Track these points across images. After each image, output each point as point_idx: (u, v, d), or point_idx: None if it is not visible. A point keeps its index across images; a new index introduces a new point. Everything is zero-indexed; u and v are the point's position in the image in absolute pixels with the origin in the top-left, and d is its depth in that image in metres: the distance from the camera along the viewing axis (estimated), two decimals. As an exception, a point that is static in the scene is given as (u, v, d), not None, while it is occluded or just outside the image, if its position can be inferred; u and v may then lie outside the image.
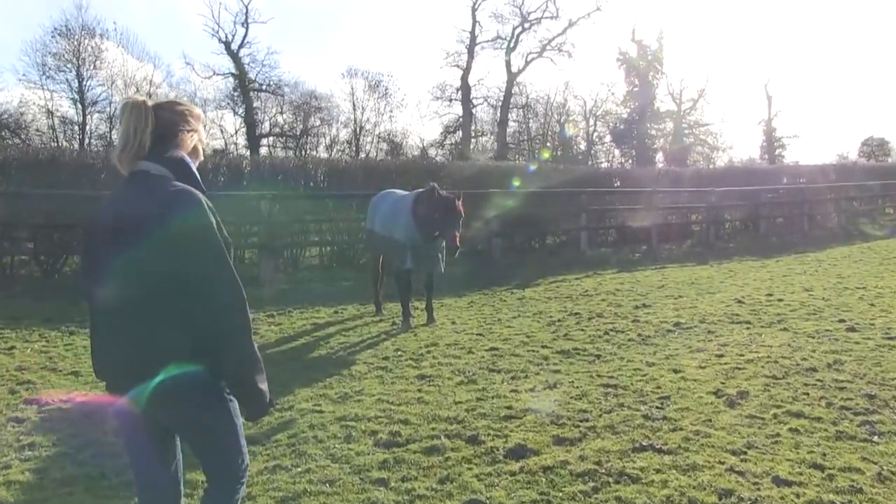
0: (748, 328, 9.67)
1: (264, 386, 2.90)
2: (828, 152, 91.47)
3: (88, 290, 2.98)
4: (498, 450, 5.25)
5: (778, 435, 5.40)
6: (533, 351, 8.52)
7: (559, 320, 10.50)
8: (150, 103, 2.93)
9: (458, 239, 9.53)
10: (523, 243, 21.00)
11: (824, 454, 5.07)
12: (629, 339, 9.15)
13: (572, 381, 7.10)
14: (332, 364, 7.90)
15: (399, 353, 8.42)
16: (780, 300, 11.71)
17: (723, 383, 6.91)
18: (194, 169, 2.97)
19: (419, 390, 6.84)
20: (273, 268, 14.59)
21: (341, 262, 17.28)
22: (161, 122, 2.92)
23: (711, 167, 38.74)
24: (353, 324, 10.40)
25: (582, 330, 9.79)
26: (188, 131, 3.01)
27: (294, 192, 16.26)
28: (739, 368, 7.47)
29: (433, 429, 5.71)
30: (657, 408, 6.18)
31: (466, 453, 5.21)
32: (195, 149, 3.08)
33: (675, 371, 7.43)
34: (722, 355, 8.12)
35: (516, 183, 19.14)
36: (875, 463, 4.92)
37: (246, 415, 2.99)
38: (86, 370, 7.51)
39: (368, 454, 5.21)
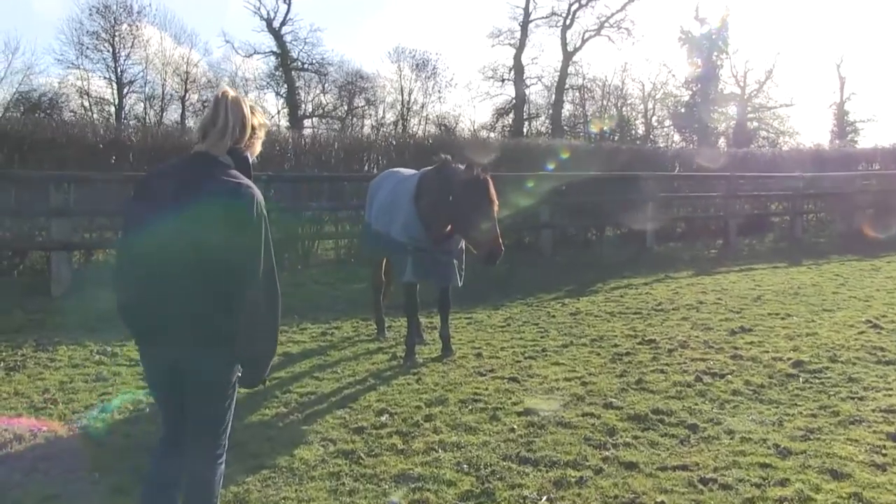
0: (908, 374, 6.60)
1: (268, 365, 3.29)
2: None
3: (128, 249, 3.22)
4: None
5: None
6: (591, 415, 5.57)
7: (627, 353, 7.52)
8: (246, 103, 3.29)
9: (500, 241, 6.65)
10: (578, 235, 17.99)
11: None
12: (734, 392, 6.16)
13: (662, 501, 4.14)
14: (271, 443, 5.02)
15: (384, 418, 5.53)
16: (931, 324, 8.54)
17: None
18: (251, 169, 3.32)
19: (391, 518, 3.98)
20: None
21: (361, 257, 14.50)
22: (245, 123, 3.28)
23: (792, 149, 34.80)
24: (338, 355, 7.55)
25: (662, 371, 6.81)
26: (259, 138, 3.40)
27: (296, 174, 13.42)
28: (946, 472, 4.43)
29: None
30: None
31: None
32: (257, 152, 3.45)
33: (836, 476, 4.39)
34: (897, 434, 5.08)
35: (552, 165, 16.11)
36: None
37: (240, 380, 3.26)
38: None
39: None
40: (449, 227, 7.05)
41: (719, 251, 17.31)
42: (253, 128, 3.31)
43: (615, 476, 4.44)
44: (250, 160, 3.33)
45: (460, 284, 7.47)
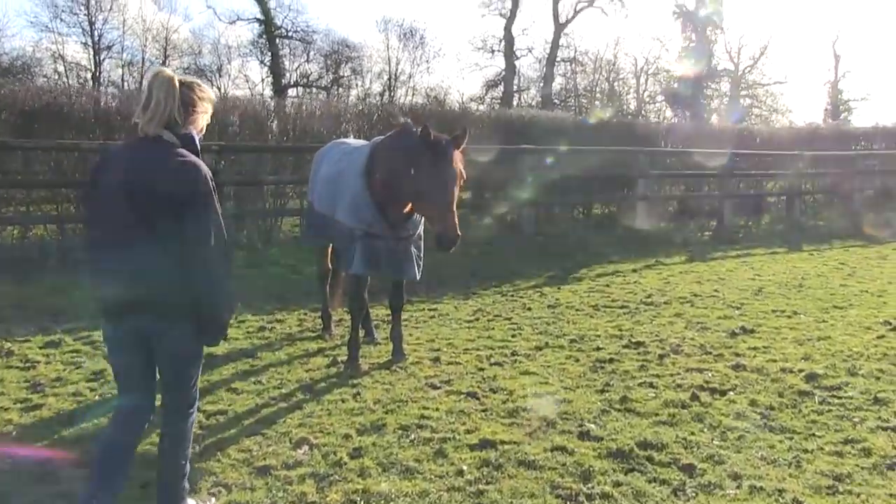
0: (943, 393, 5.51)
1: (226, 324, 3.47)
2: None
3: (93, 236, 3.48)
4: None
5: None
6: (563, 450, 4.44)
7: (611, 359, 6.40)
8: (177, 80, 3.35)
9: (455, 222, 5.37)
10: (563, 214, 16.84)
11: None
12: (738, 416, 5.05)
13: None
14: (146, 490, 3.83)
15: (301, 452, 4.36)
16: (958, 326, 7.46)
17: None
18: (198, 144, 3.41)
19: None
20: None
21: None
22: (182, 100, 3.36)
23: (788, 126, 33.46)
24: (270, 357, 6.38)
25: (651, 385, 5.70)
26: (201, 113, 3.49)
27: (252, 144, 12.19)
28: None
29: None
30: None
31: None
32: (201, 126, 3.52)
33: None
34: (948, 486, 3.99)
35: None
36: None
37: (204, 340, 3.49)
38: None
39: None
40: (407, 208, 5.89)
41: (713, 233, 16.23)
42: (190, 104, 3.40)
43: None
44: (195, 137, 3.42)
45: (418, 277, 6.29)
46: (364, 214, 5.85)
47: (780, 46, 77.33)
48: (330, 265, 7.18)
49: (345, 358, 6.18)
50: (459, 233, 5.33)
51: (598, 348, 6.79)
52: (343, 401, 5.26)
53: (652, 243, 13.99)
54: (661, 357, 6.47)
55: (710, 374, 5.96)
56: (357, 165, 5.98)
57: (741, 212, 18.16)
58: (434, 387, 5.63)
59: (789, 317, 8.00)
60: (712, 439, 4.67)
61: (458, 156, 5.53)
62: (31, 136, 10.94)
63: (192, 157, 3.29)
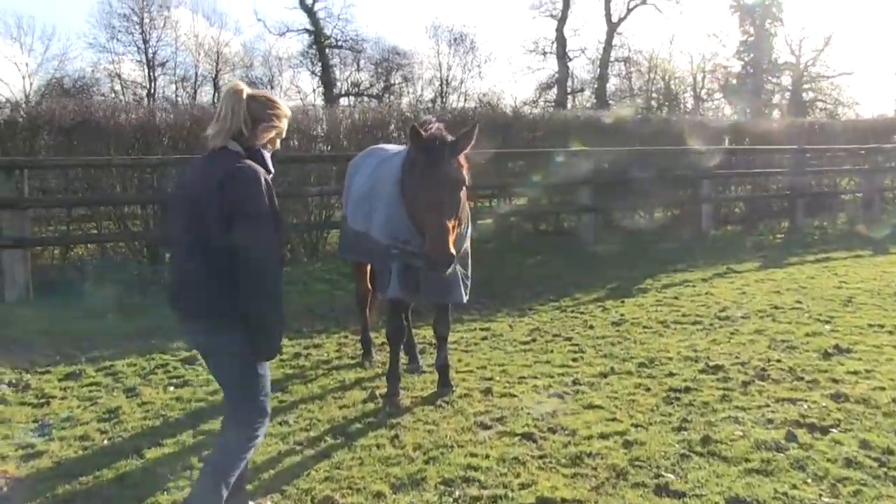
0: None
1: (276, 337, 3.35)
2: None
3: (169, 236, 4.02)
4: None
5: None
6: (638, 512, 3.70)
7: (687, 388, 5.58)
8: (245, 93, 3.39)
9: (448, 239, 4.58)
10: (623, 219, 15.94)
11: None
12: (848, 462, 4.20)
13: None
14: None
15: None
16: None
17: None
18: (266, 156, 3.43)
19: None
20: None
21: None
22: (251, 111, 3.38)
23: (861, 118, 31.62)
24: (302, 391, 5.71)
25: (736, 421, 4.88)
26: (272, 127, 3.46)
27: (292, 155, 11.65)
28: None
29: None
30: None
31: None
32: (272, 140, 3.52)
33: None
34: None
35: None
36: None
37: (255, 355, 3.37)
38: None
39: None
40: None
41: (786, 235, 15.15)
42: (260, 118, 3.40)
43: None
44: (263, 151, 3.42)
45: (465, 300, 5.54)
46: (400, 228, 5.14)
47: (845, 35, 74.12)
48: (370, 286, 6.52)
49: (384, 391, 5.49)
50: (453, 251, 4.57)
51: (671, 374, 5.97)
52: (378, 446, 4.56)
53: (720, 249, 13.05)
54: (744, 384, 5.63)
55: (805, 406, 5.11)
56: (392, 174, 5.28)
57: (814, 211, 17.04)
58: (484, 426, 4.89)
59: (890, 332, 7.04)
60: (820, 495, 3.85)
61: (458, 160, 4.82)
62: (71, 153, 10.62)
63: (248, 163, 3.29)
